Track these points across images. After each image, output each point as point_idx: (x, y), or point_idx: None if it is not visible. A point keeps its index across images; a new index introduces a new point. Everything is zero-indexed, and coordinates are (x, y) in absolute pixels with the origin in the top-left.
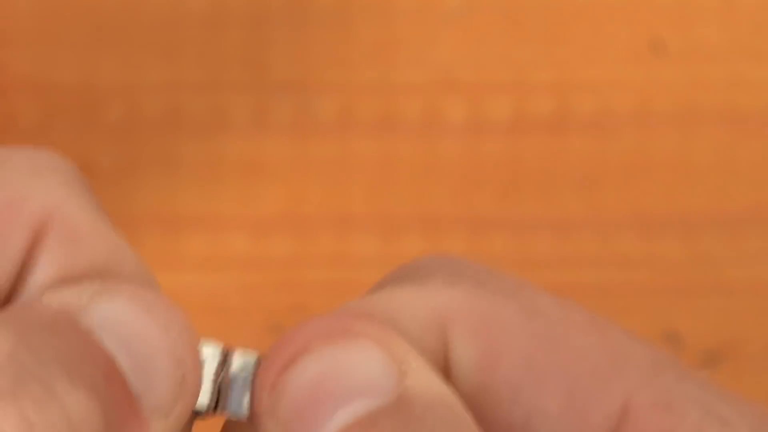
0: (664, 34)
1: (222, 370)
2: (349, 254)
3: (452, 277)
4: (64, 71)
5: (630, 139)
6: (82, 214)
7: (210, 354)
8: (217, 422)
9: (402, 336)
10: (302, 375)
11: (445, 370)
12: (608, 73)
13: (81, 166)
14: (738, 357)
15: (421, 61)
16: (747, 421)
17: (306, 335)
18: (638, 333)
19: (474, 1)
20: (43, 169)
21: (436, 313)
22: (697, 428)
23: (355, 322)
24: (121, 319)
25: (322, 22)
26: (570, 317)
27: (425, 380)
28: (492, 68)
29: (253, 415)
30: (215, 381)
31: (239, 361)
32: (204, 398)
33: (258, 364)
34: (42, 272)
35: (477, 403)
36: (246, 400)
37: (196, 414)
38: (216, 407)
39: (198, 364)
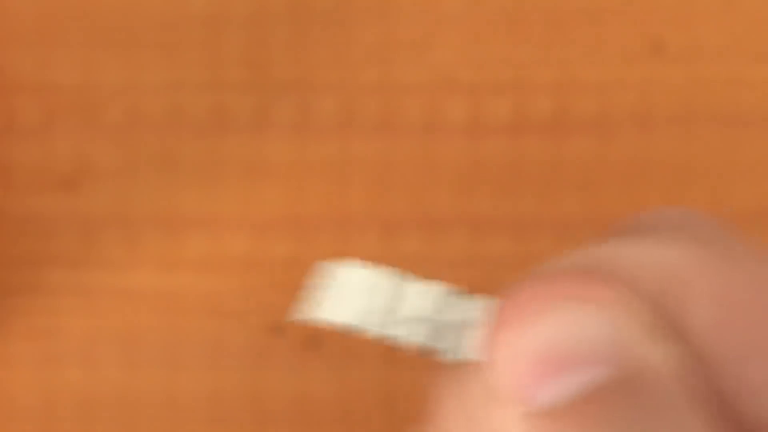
0: (665, 35)
1: (447, 312)
2: (349, 255)
3: (690, 235)
4: (65, 71)
5: (630, 140)
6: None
7: (435, 295)
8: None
9: (635, 300)
10: (532, 336)
11: (676, 335)
12: (608, 74)
13: (81, 167)
14: None
15: (421, 62)
16: None
17: (539, 294)
18: None
19: (474, 1)
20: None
21: (669, 273)
22: None
23: (589, 284)
24: None
25: (322, 22)
26: None
27: (657, 350)
28: (492, 68)
29: (475, 363)
30: (439, 322)
31: (465, 305)
32: (428, 338)
33: (485, 312)
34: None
35: (703, 371)
36: (469, 346)
37: (424, 354)
38: (441, 349)
39: None
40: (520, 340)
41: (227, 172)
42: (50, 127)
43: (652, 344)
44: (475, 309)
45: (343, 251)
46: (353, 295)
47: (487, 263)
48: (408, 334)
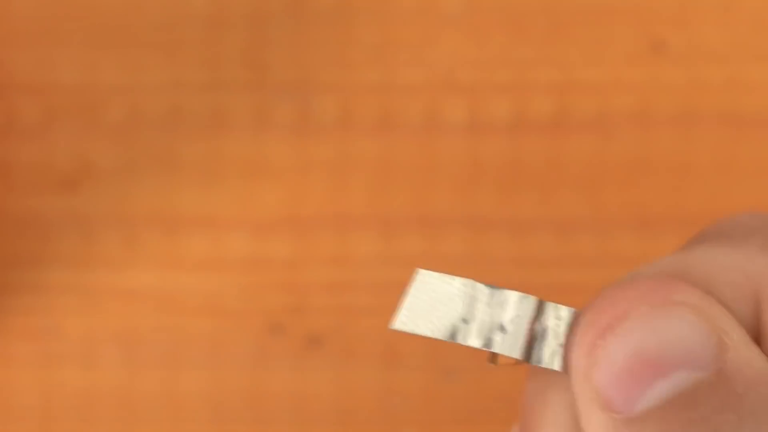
0: (665, 35)
1: (536, 321)
2: (349, 255)
3: (765, 239)
4: (65, 71)
5: (630, 140)
6: None
7: (524, 305)
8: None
9: (719, 304)
10: (622, 342)
11: (756, 341)
12: (608, 74)
13: (81, 166)
14: None
15: (421, 62)
16: None
17: (626, 300)
18: None
19: (474, 1)
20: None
21: (751, 279)
22: None
23: (675, 289)
24: None
25: (322, 22)
26: None
27: (746, 354)
28: (492, 68)
29: (563, 370)
30: (527, 331)
31: (553, 314)
32: (515, 347)
33: (573, 320)
34: None
35: None
36: (558, 354)
37: (506, 361)
38: (528, 357)
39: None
40: (610, 348)
41: (227, 172)
42: (50, 127)
43: (742, 347)
44: (565, 317)
45: (343, 252)
46: (443, 305)
47: (487, 262)
48: (500, 342)
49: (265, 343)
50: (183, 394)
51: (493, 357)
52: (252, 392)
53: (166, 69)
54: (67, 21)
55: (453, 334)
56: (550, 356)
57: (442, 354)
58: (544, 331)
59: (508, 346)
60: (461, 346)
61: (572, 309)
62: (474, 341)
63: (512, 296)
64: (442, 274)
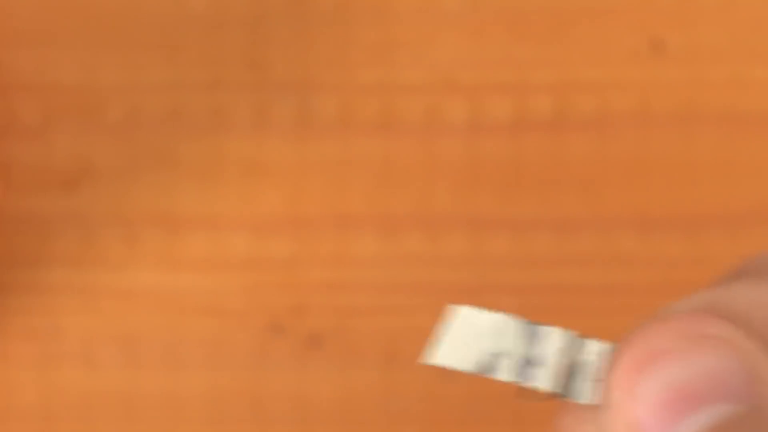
0: (664, 34)
1: (570, 356)
2: (350, 254)
3: None
4: (65, 71)
5: (630, 140)
6: None
7: (559, 339)
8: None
9: (751, 338)
10: (658, 376)
11: None
12: (608, 73)
13: (81, 166)
14: None
15: (421, 62)
16: None
17: (662, 335)
18: None
19: (474, 1)
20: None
21: None
22: None
23: (710, 324)
24: None
25: (322, 22)
26: None
27: None
28: (492, 68)
29: (599, 404)
30: (562, 365)
31: (588, 348)
32: (551, 381)
33: (609, 354)
34: None
35: None
36: (592, 388)
37: (540, 395)
38: (563, 391)
39: None
40: (646, 382)
41: (227, 172)
42: (50, 126)
43: None
44: (599, 352)
45: (343, 251)
46: (478, 340)
47: (487, 263)
48: (535, 377)
49: (265, 343)
50: (183, 394)
51: (522, 392)
52: (252, 392)
53: (166, 69)
54: (67, 21)
55: (489, 369)
56: (585, 391)
57: None
58: (580, 365)
59: (544, 380)
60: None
61: (608, 344)
62: (510, 376)
63: (549, 331)
64: (477, 310)
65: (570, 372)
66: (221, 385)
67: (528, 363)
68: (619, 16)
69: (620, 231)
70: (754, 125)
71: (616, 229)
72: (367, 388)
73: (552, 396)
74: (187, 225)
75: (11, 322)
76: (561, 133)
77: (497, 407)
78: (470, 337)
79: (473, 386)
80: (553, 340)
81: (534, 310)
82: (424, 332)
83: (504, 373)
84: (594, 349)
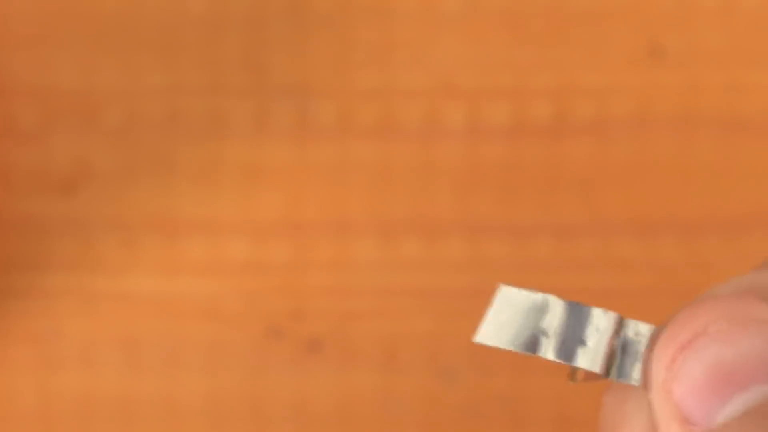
0: (663, 39)
1: (615, 337)
2: (348, 259)
3: None
4: (64, 75)
5: (629, 144)
6: None
7: (604, 320)
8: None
9: None
10: (702, 356)
11: None
12: (607, 78)
13: (79, 170)
14: None
15: (420, 66)
16: None
17: (707, 316)
18: None
19: (473, 5)
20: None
21: None
22: None
23: (753, 306)
24: None
25: (321, 26)
26: None
27: None
28: (491, 73)
29: (643, 385)
30: (608, 346)
31: (632, 330)
32: (596, 362)
33: (653, 335)
34: None
35: None
36: (637, 369)
37: (587, 375)
38: (607, 372)
39: None
40: (690, 362)
41: (226, 176)
42: (49, 130)
43: None
44: (644, 333)
45: (342, 256)
46: (524, 319)
47: (487, 266)
48: (580, 357)
49: (264, 347)
50: (182, 397)
51: (573, 374)
52: (251, 396)
53: (165, 72)
54: (66, 24)
55: (534, 348)
56: (629, 371)
57: (442, 357)
58: (624, 346)
59: (589, 361)
60: (460, 348)
61: (652, 325)
62: (554, 355)
63: (593, 312)
64: (524, 290)
65: (615, 352)
66: (220, 389)
67: (573, 343)
68: (618, 21)
69: (619, 235)
70: (753, 129)
71: (615, 234)
72: (365, 391)
73: (599, 377)
74: (186, 229)
75: (11, 326)
76: (560, 137)
77: (496, 410)
78: (515, 317)
79: (472, 389)
80: (598, 321)
81: None
82: (423, 336)
83: (548, 353)
84: (639, 330)
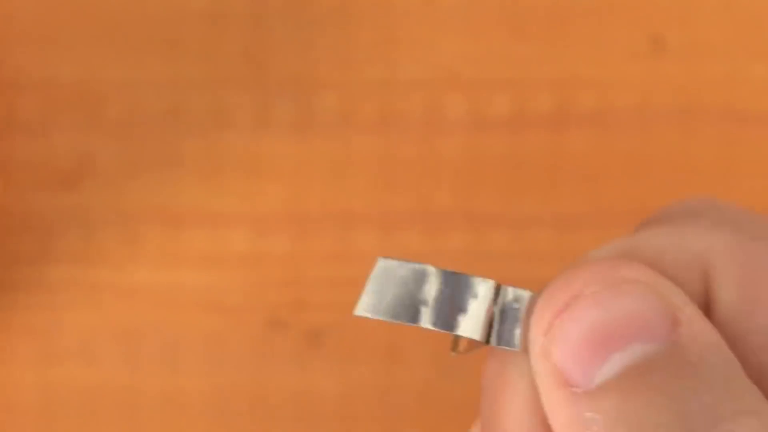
0: (665, 32)
1: (494, 304)
2: (350, 251)
3: (715, 221)
4: (65, 68)
5: (630, 136)
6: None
7: (483, 287)
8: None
9: (667, 281)
10: (578, 319)
11: (705, 314)
12: (609, 71)
13: (81, 164)
14: None
15: (421, 59)
16: None
17: (582, 279)
18: None
19: None
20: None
21: (699, 257)
22: None
23: (626, 268)
24: None
25: (323, 20)
26: None
27: (698, 327)
28: (492, 66)
29: (523, 350)
30: (487, 314)
31: (512, 295)
32: (477, 329)
33: (530, 302)
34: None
35: (733, 347)
36: (517, 334)
37: (468, 344)
38: (488, 339)
39: None
40: (567, 325)
41: (228, 169)
42: (51, 124)
43: (694, 320)
44: (523, 299)
45: (343, 248)
46: (403, 290)
47: (488, 259)
48: (460, 325)
49: (266, 339)
50: (183, 389)
51: (456, 345)
52: (252, 388)
53: (166, 66)
54: (68, 18)
55: (414, 318)
56: (509, 337)
57: (444, 351)
58: (503, 313)
59: (469, 329)
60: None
61: (530, 291)
62: (435, 324)
63: (472, 280)
64: (401, 260)
65: (495, 319)
66: (222, 381)
67: (453, 312)
68: (620, 14)
69: (620, 227)
70: (754, 122)
71: (616, 225)
72: (367, 383)
73: (480, 345)
74: (188, 222)
75: (12, 319)
76: (561, 130)
77: None
78: (394, 288)
79: (474, 383)
80: (476, 288)
81: None
82: (425, 329)
83: (428, 322)
84: (519, 296)
